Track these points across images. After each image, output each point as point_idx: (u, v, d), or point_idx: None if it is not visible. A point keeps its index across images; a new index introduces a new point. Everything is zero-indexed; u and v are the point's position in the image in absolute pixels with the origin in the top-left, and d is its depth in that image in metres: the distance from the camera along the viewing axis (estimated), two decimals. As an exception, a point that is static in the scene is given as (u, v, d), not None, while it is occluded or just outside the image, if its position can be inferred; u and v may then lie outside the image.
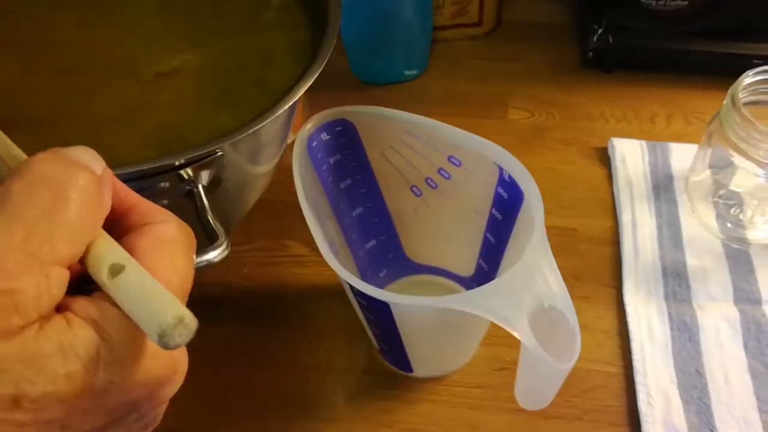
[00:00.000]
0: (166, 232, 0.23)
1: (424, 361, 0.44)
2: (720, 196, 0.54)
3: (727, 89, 0.62)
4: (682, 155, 0.58)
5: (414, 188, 0.44)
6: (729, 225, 0.53)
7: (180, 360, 0.23)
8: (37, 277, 0.19)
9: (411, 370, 0.45)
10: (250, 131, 0.35)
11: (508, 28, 0.71)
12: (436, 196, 0.44)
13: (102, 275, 0.21)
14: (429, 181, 0.43)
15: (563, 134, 0.61)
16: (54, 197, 0.20)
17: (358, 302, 0.39)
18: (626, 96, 0.64)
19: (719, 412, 0.43)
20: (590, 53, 0.64)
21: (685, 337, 0.47)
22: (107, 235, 0.22)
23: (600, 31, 0.63)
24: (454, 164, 0.41)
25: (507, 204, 0.39)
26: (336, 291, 0.44)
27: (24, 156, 0.24)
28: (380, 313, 0.38)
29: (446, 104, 0.64)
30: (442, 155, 0.41)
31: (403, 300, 0.35)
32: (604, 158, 0.59)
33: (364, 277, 0.47)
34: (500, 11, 0.70)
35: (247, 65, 0.42)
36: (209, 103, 0.40)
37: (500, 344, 0.47)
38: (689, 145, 0.58)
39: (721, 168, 0.54)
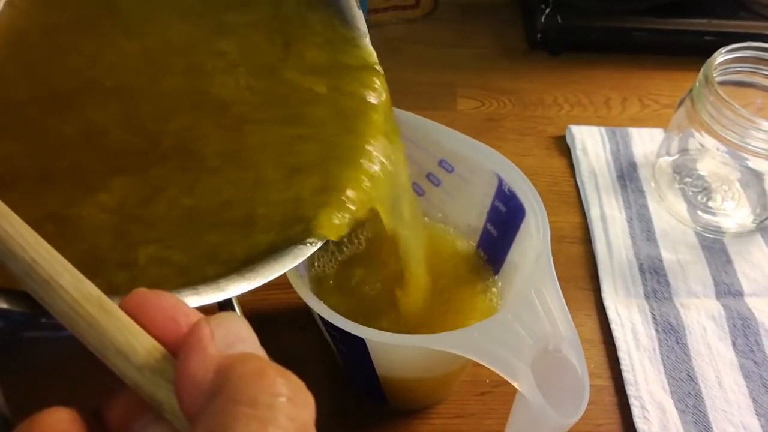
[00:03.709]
0: None
1: (401, 397, 0.38)
2: (686, 183, 0.51)
3: (680, 69, 0.60)
4: (643, 140, 0.55)
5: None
6: (700, 213, 0.50)
7: None
8: None
9: (383, 400, 0.39)
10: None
11: (446, 10, 0.66)
12: (422, 203, 0.38)
13: None
14: (416, 186, 0.37)
15: (517, 124, 0.56)
16: None
17: (329, 333, 0.33)
18: (578, 80, 0.60)
19: (717, 419, 0.40)
20: (539, 35, 0.59)
21: (672, 339, 0.43)
22: None
23: (548, 11, 0.58)
24: (446, 170, 0.35)
25: (504, 219, 0.34)
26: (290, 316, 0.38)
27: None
28: (354, 348, 0.32)
29: (388, 96, 0.58)
30: (433, 158, 0.35)
31: (382, 337, 0.29)
32: (563, 148, 0.55)
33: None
34: (437, -8, 0.65)
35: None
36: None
37: (479, 364, 0.41)
38: (649, 129, 0.55)
39: (688, 152, 0.51)
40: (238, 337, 0.16)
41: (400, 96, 0.57)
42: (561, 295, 0.29)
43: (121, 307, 0.17)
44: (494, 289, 0.37)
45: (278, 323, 0.43)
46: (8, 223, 0.17)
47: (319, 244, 0.26)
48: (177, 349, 0.16)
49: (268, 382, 0.15)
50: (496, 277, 0.37)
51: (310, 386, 0.19)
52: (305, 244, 0.25)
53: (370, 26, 0.62)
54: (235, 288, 0.22)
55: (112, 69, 0.29)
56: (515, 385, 0.27)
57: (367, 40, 0.32)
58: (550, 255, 0.30)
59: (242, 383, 0.14)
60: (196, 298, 0.21)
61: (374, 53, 0.31)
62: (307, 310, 0.31)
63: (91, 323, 0.16)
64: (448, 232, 0.39)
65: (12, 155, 0.25)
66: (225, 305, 0.30)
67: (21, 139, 0.26)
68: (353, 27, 0.31)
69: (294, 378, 0.15)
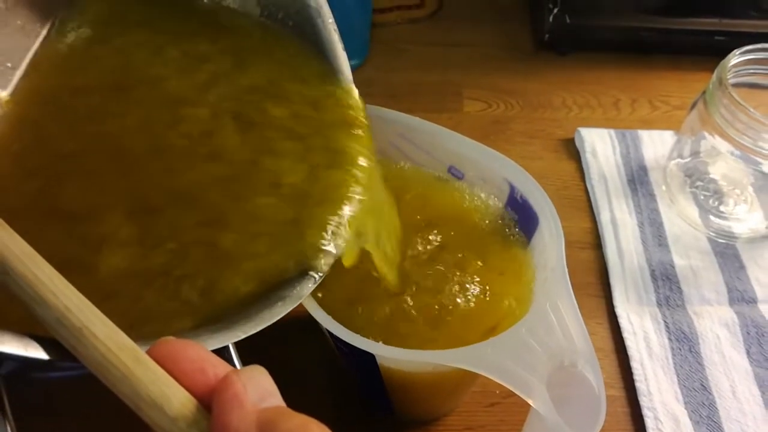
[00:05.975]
0: None
1: (409, 407, 0.38)
2: (697, 187, 0.50)
3: (690, 69, 0.59)
4: (653, 143, 0.54)
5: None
6: (712, 218, 0.49)
7: None
8: None
9: (391, 412, 0.38)
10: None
11: (451, 10, 0.65)
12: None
13: None
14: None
15: (525, 126, 0.55)
16: None
17: (336, 347, 0.32)
18: (586, 81, 0.59)
19: (731, 430, 0.39)
20: (546, 35, 0.58)
21: (685, 348, 0.42)
22: None
23: (556, 10, 0.57)
24: (456, 176, 0.34)
25: (517, 228, 0.32)
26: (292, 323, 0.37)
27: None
28: (363, 362, 0.31)
29: (393, 97, 0.57)
30: (442, 165, 0.34)
31: (392, 353, 0.29)
32: (572, 151, 0.54)
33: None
34: (442, -9, 0.64)
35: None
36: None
37: (488, 375, 0.41)
38: (660, 132, 0.54)
39: (700, 155, 0.50)
40: (267, 390, 0.17)
41: (404, 98, 0.57)
42: (577, 308, 0.29)
43: (149, 355, 0.17)
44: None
45: (281, 331, 0.42)
46: (39, 269, 0.17)
47: (318, 281, 0.26)
48: (206, 399, 0.16)
49: None
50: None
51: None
52: (307, 277, 0.26)
53: (374, 26, 0.61)
54: (244, 328, 0.23)
55: (205, 135, 0.29)
56: (530, 402, 0.27)
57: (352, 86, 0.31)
58: (566, 266, 0.29)
59: None
60: (211, 341, 0.22)
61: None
62: (309, 318, 0.30)
63: (125, 373, 0.16)
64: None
65: (95, 197, 0.27)
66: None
67: (100, 185, 0.28)
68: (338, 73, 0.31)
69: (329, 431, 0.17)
